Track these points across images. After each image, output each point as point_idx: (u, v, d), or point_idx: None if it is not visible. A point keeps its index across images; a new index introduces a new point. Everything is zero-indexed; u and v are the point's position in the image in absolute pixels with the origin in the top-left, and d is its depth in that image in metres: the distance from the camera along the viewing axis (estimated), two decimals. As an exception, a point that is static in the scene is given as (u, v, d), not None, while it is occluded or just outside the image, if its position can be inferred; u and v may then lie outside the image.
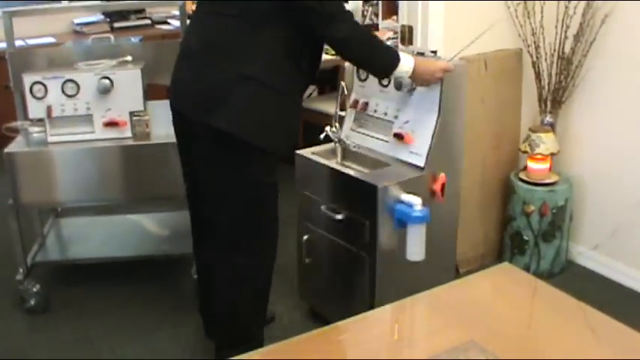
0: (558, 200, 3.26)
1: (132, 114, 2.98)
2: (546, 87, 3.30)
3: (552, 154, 3.25)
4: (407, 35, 3.15)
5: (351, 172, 2.69)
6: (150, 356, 2.83)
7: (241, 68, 2.25)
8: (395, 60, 2.40)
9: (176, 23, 5.60)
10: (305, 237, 2.85)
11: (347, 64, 4.15)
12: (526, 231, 3.31)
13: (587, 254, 3.44)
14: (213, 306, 2.62)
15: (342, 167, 2.78)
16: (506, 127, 3.43)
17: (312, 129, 4.64)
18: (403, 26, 3.18)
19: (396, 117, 2.74)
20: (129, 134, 2.99)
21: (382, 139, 2.77)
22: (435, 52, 2.75)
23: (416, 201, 2.46)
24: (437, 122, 2.60)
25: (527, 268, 3.35)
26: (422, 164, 2.61)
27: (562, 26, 3.17)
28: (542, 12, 3.21)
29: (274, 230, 2.55)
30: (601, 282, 3.34)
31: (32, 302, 3.12)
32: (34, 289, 3.12)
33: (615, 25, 3.10)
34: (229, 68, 2.26)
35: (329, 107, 4.41)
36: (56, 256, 3.40)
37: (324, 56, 4.50)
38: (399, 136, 2.68)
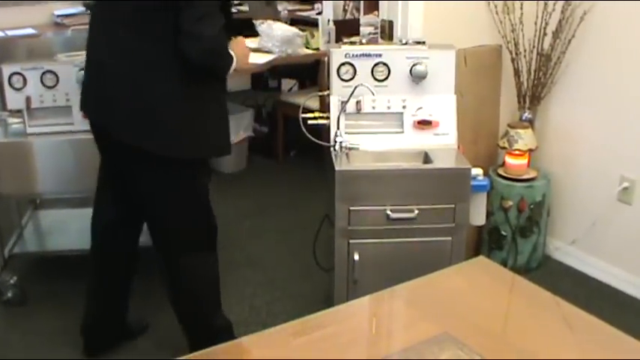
0: (536, 196, 3.29)
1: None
2: (525, 83, 3.32)
3: (530, 150, 3.28)
4: (387, 30, 3.16)
5: (412, 165, 2.75)
6: (127, 350, 2.83)
7: (165, 85, 2.23)
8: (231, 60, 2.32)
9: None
10: (356, 256, 2.70)
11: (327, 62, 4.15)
12: (504, 226, 3.33)
13: (564, 249, 3.48)
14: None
15: (395, 165, 2.75)
16: (485, 123, 3.46)
17: (297, 124, 4.65)
18: (383, 21, 3.20)
19: (404, 107, 2.79)
20: (108, 126, 2.97)
21: (394, 132, 2.80)
22: (423, 42, 2.78)
23: (478, 172, 2.70)
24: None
25: (504, 263, 3.37)
26: (454, 142, 2.80)
27: (541, 23, 3.19)
28: (521, 8, 3.23)
29: (215, 224, 2.57)
30: (577, 277, 3.37)
31: (9, 294, 3.10)
32: (12, 281, 3.10)
33: (594, 22, 3.13)
34: (155, 87, 2.23)
35: (310, 102, 4.41)
36: (34, 248, 3.38)
37: (305, 50, 4.54)
38: (424, 123, 2.78)
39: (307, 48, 4.53)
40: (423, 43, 2.83)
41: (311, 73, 5.23)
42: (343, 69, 2.79)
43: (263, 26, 4.40)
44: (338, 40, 4.45)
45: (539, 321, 1.64)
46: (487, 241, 3.43)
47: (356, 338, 1.57)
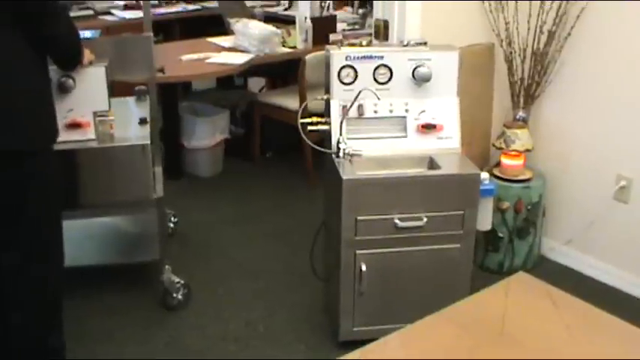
0: (533, 196, 3.24)
1: (95, 114, 2.80)
2: (519, 82, 3.26)
3: (527, 151, 3.22)
4: (382, 30, 3.06)
5: (421, 172, 2.70)
6: None
7: (11, 81, 2.13)
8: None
9: (120, 14, 5.37)
10: (363, 267, 2.63)
11: (308, 62, 4.02)
12: (500, 228, 3.27)
13: (559, 249, 3.44)
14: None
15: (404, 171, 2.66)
16: (479, 123, 3.39)
17: (272, 124, 4.54)
18: (378, 20, 3.09)
19: (407, 111, 2.71)
20: (92, 136, 2.80)
21: (397, 136, 2.73)
22: (424, 43, 2.70)
23: (485, 176, 2.66)
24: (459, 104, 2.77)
25: (500, 265, 3.33)
26: (458, 146, 2.75)
27: (537, 21, 3.13)
28: (516, 7, 3.17)
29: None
30: (574, 277, 3.33)
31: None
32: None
33: (590, 21, 3.08)
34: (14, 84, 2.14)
35: (288, 102, 4.30)
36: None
37: (283, 49, 4.42)
38: (428, 127, 2.71)
39: (284, 46, 4.41)
40: (425, 44, 2.75)
41: (281, 71, 5.11)
42: (344, 72, 2.68)
43: (238, 25, 4.27)
44: (316, 38, 4.34)
45: (601, 344, 1.57)
46: (483, 244, 3.36)
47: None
